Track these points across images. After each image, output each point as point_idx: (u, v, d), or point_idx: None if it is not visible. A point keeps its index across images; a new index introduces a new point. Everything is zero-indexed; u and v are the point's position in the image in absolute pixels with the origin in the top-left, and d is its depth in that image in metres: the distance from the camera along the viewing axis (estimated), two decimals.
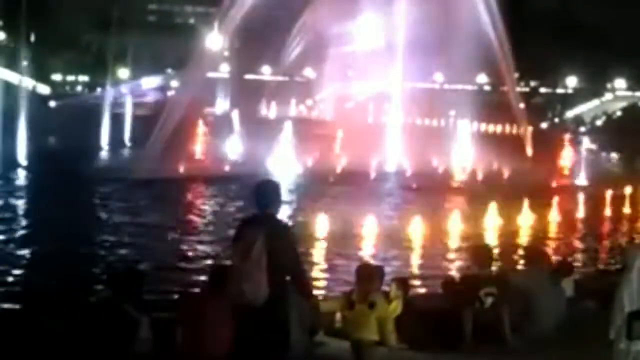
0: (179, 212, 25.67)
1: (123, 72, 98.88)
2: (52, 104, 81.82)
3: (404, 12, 44.54)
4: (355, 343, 9.54)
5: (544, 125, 79.85)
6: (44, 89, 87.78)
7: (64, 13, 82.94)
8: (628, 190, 29.57)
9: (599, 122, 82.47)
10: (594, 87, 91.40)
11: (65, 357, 8.61)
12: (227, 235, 21.16)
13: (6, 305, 13.60)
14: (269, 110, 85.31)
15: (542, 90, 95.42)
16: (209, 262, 17.82)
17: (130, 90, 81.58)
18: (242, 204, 26.89)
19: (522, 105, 67.56)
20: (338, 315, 10.09)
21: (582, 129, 79.09)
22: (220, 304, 8.61)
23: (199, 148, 41.36)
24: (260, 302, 7.41)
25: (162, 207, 26.09)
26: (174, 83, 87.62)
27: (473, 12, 45.99)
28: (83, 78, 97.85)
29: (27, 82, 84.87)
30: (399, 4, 44.50)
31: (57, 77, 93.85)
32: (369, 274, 10.03)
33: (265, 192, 7.92)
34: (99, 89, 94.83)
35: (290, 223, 15.24)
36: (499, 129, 73.20)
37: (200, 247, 20.30)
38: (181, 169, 34.61)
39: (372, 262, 15.56)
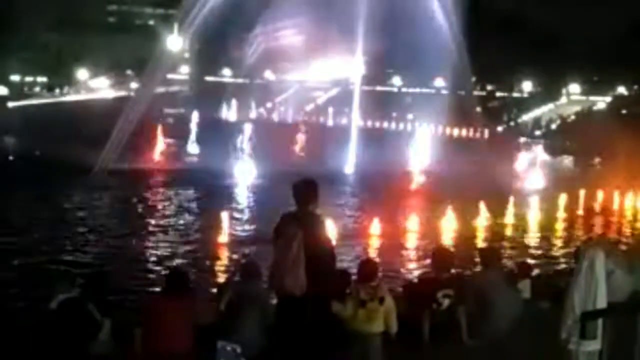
0: (135, 213, 25.57)
1: (82, 73, 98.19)
2: (10, 104, 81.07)
3: (363, 17, 44.46)
4: (366, 337, 9.72)
5: (500, 128, 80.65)
6: (1, 90, 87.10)
7: (22, 13, 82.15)
8: (582, 191, 30.04)
9: (553, 126, 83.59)
10: (549, 91, 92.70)
11: (28, 355, 8.75)
12: (185, 237, 21.63)
13: None
14: (229, 112, 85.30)
15: (498, 94, 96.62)
16: (168, 263, 17.90)
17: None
18: (201, 205, 27.32)
19: (478, 109, 68.51)
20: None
21: (538, 132, 79.98)
22: (178, 305, 8.99)
23: (157, 148, 40.99)
24: (299, 294, 7.78)
25: (120, 208, 26.23)
26: (134, 84, 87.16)
27: (431, 17, 46.11)
28: (42, 79, 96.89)
29: None
30: (358, 8, 44.33)
31: (15, 77, 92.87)
32: (374, 270, 10.24)
33: (303, 191, 8.20)
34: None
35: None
36: (456, 132, 73.20)
37: (159, 249, 20.29)
38: (138, 169, 34.53)
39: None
